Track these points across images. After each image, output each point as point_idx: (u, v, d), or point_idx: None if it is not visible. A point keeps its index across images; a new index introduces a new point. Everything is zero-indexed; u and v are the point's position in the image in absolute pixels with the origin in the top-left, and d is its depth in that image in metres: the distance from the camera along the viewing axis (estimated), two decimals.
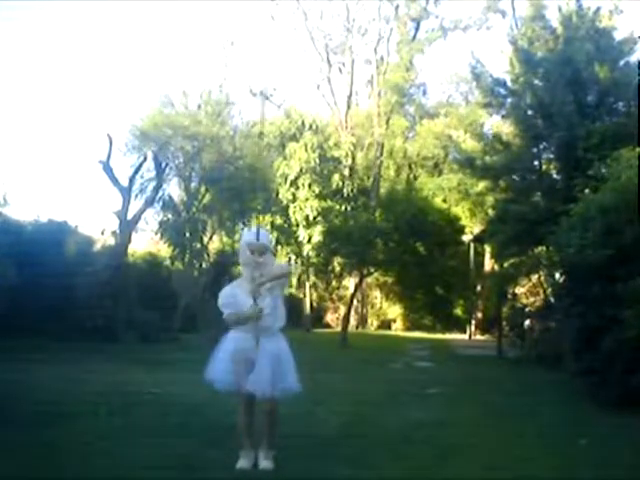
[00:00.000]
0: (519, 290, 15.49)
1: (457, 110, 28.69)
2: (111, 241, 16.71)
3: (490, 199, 16.95)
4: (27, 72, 38.27)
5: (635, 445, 5.60)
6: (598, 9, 13.59)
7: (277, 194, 20.82)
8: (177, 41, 43.99)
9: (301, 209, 21.17)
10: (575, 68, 12.37)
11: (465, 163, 15.26)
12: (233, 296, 4.55)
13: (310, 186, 21.16)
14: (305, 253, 21.36)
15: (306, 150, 21.23)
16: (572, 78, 12.35)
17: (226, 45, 26.51)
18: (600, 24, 13.40)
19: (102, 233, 16.76)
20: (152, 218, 18.41)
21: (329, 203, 21.59)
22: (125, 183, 16.26)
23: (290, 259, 21.22)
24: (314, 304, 23.97)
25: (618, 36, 13.28)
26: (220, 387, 4.55)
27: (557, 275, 11.24)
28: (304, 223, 21.20)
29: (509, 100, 14.30)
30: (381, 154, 26.28)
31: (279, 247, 20.89)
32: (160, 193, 17.61)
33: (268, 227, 19.35)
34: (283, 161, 21.36)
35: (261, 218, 20.45)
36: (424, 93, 31.64)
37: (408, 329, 23.82)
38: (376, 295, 25.99)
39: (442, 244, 17.79)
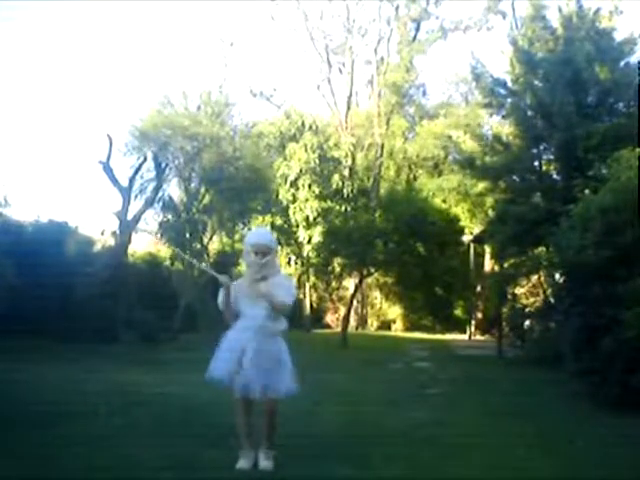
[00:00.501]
0: (519, 290, 15.47)
1: (457, 111, 28.68)
2: (111, 241, 16.70)
3: (490, 200, 16.97)
4: (27, 72, 38.26)
5: (635, 445, 5.60)
6: (598, 10, 13.60)
7: (277, 195, 20.81)
8: (177, 41, 44.01)
9: (301, 210, 21.17)
10: (575, 69, 12.38)
11: (465, 164, 15.28)
12: (233, 291, 4.57)
13: (310, 187, 21.15)
14: (305, 254, 21.36)
15: (306, 151, 21.23)
16: (572, 79, 12.36)
17: (226, 46, 26.51)
18: (600, 25, 13.41)
19: (102, 233, 16.75)
20: (152, 219, 18.42)
21: (329, 204, 21.57)
22: (125, 183, 16.25)
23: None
24: (314, 305, 23.96)
25: (618, 37, 13.30)
26: (220, 380, 4.56)
27: (557, 275, 11.24)
28: (304, 224, 21.20)
29: (509, 100, 14.31)
30: (381, 155, 26.27)
31: (279, 248, 20.88)
32: (160, 194, 17.61)
33: (268, 228, 19.35)
34: (283, 162, 21.36)
35: (261, 219, 20.47)
36: (424, 94, 31.69)
37: (408, 329, 23.80)
38: (376, 296, 25.97)
39: (442, 245, 17.78)
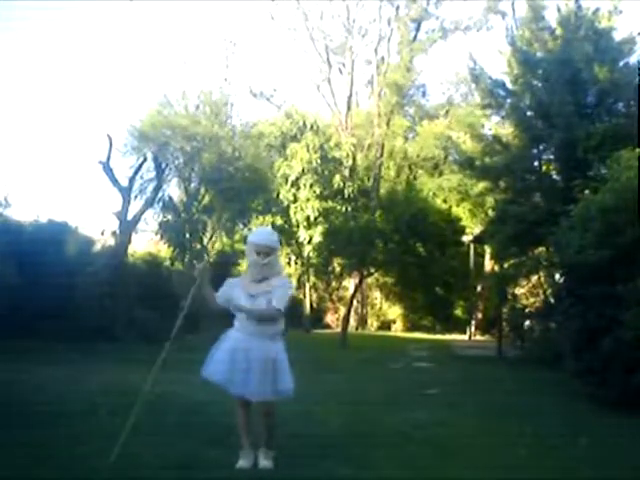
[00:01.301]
0: (519, 291, 15.47)
1: (457, 111, 28.68)
2: (111, 241, 16.70)
3: (490, 200, 16.98)
4: (27, 72, 38.26)
5: (635, 445, 5.60)
6: (597, 9, 13.59)
7: (278, 195, 20.82)
8: (176, 41, 44.02)
9: (302, 210, 21.15)
10: (574, 69, 12.38)
11: (465, 164, 15.28)
12: (230, 286, 4.61)
13: (311, 186, 21.14)
14: (305, 254, 21.36)
15: (307, 151, 21.22)
16: (571, 79, 12.37)
17: (229, 46, 26.48)
18: (599, 24, 13.40)
19: (102, 234, 16.75)
20: (152, 219, 18.43)
21: (330, 204, 21.57)
22: (125, 184, 16.26)
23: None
24: (314, 305, 23.95)
25: (617, 36, 13.30)
26: (216, 383, 4.56)
27: (557, 276, 11.26)
28: (305, 224, 21.18)
29: (508, 101, 14.31)
30: (381, 155, 26.27)
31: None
32: (160, 194, 17.61)
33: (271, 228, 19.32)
34: (284, 162, 21.35)
35: (261, 219, 20.46)
36: (424, 94, 31.74)
37: (408, 330, 23.80)
38: (376, 296, 25.98)
39: (442, 245, 17.78)
